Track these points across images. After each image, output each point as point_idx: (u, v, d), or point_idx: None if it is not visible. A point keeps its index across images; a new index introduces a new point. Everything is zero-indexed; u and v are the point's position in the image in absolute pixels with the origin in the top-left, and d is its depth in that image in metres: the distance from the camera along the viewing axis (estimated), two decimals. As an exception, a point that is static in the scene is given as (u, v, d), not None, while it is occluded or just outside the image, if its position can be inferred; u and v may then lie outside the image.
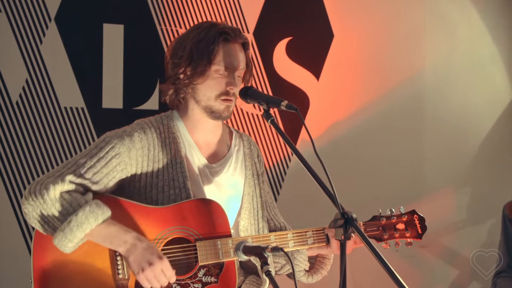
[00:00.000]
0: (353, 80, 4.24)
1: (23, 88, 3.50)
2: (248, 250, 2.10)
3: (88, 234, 2.10)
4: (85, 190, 2.18)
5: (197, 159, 2.37)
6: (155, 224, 2.21)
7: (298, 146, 3.97)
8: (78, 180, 2.15)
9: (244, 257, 2.12)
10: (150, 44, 3.75)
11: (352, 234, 2.13)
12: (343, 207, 2.00)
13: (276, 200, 3.90)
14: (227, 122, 2.56)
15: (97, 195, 2.21)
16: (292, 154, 4.06)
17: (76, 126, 3.58)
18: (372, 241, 2.38)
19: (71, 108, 3.58)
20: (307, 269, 2.53)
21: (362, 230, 2.45)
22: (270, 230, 2.55)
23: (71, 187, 2.14)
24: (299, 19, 4.11)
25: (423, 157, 4.42)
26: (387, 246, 2.49)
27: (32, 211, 2.11)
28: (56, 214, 2.10)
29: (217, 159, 2.42)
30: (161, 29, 3.76)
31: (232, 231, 2.31)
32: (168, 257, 2.19)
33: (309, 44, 4.13)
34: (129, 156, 2.26)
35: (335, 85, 4.19)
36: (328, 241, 2.40)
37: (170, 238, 2.22)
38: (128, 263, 2.14)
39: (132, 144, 2.26)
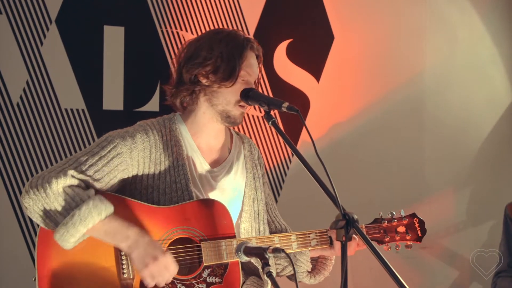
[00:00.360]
0: (353, 82, 4.25)
1: (24, 90, 3.50)
2: (249, 251, 2.10)
3: (90, 229, 2.10)
4: (87, 186, 2.17)
5: (198, 163, 2.37)
6: (159, 224, 2.21)
7: (298, 147, 3.97)
8: (80, 176, 2.15)
9: (245, 258, 2.12)
10: (151, 46, 3.75)
11: (355, 236, 2.14)
12: (344, 208, 2.00)
13: (276, 201, 3.90)
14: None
15: (100, 192, 2.20)
16: (292, 155, 4.06)
17: (77, 127, 3.58)
18: (374, 244, 2.39)
19: (71, 109, 3.58)
20: (309, 270, 2.54)
21: (364, 232, 2.46)
22: (271, 233, 2.56)
23: (74, 182, 2.13)
24: (300, 21, 4.11)
25: (424, 158, 4.43)
26: (388, 248, 2.51)
27: (34, 205, 2.10)
28: (59, 208, 2.09)
29: (218, 163, 2.42)
30: (162, 31, 3.76)
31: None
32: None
33: (310, 46, 4.14)
34: (131, 157, 2.26)
35: (335, 87, 4.19)
36: (331, 243, 2.41)
37: (174, 238, 2.22)
38: (131, 259, 2.13)
39: (134, 145, 2.26)
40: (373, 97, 4.28)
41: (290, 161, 4.08)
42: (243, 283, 2.38)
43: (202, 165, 2.37)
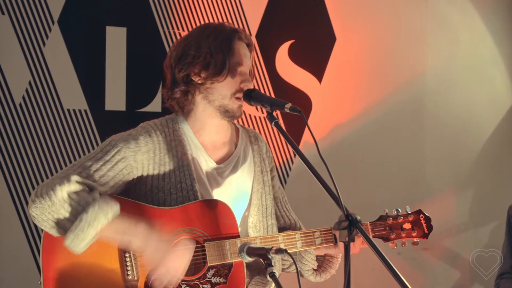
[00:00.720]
0: (355, 83, 4.25)
1: (26, 90, 3.50)
2: (252, 252, 2.11)
3: (99, 231, 2.09)
4: (91, 190, 2.17)
5: (203, 161, 2.37)
6: (164, 226, 2.21)
7: (300, 148, 3.96)
8: (85, 181, 2.14)
9: (248, 259, 2.13)
10: (153, 47, 3.75)
11: (359, 235, 2.13)
12: (347, 209, 2.00)
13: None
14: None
15: (104, 195, 2.20)
16: (294, 156, 4.06)
17: (79, 128, 3.58)
18: (379, 242, 2.39)
19: (74, 110, 3.58)
20: (315, 268, 2.53)
21: (370, 230, 2.46)
22: (282, 227, 2.55)
23: (78, 187, 2.12)
24: (302, 22, 4.12)
25: (425, 159, 4.43)
26: (394, 246, 2.50)
27: (41, 214, 2.09)
28: (66, 214, 2.09)
29: (224, 159, 2.41)
30: (164, 32, 3.77)
31: (239, 228, 2.32)
32: None
33: (312, 47, 4.14)
34: (135, 160, 2.26)
35: (337, 88, 4.19)
36: (336, 242, 2.40)
37: (180, 240, 2.21)
38: (146, 255, 2.14)
39: (138, 148, 2.27)
40: (375, 98, 4.29)
41: (292, 162, 4.09)
42: (248, 283, 2.38)
43: (207, 163, 2.37)
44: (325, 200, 2.10)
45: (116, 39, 3.66)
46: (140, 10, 3.72)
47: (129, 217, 2.15)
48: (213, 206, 2.27)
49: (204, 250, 2.22)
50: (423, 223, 2.51)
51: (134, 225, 2.14)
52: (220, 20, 3.89)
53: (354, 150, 4.23)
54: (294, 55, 4.08)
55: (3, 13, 3.44)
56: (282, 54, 4.06)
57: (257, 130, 3.94)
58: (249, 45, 2.40)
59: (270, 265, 2.01)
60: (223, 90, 2.32)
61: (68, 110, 3.57)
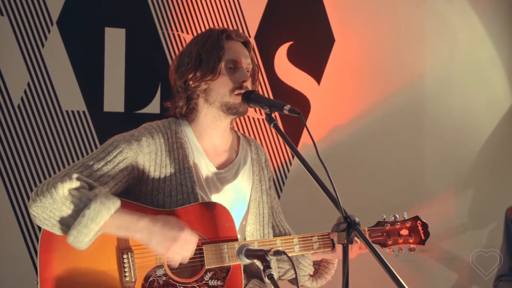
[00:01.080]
0: (354, 85, 4.25)
1: (25, 91, 3.50)
2: (251, 254, 2.10)
3: (102, 226, 2.10)
4: (91, 188, 2.17)
5: (204, 165, 2.37)
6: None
7: (298, 150, 3.97)
8: (86, 180, 2.15)
9: (247, 261, 2.12)
10: (152, 48, 3.75)
11: (357, 239, 2.13)
12: (346, 211, 2.00)
13: (277, 204, 3.90)
14: (233, 123, 2.56)
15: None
16: (293, 158, 4.06)
17: (78, 129, 3.58)
18: (376, 247, 2.39)
19: (72, 111, 3.58)
20: (312, 273, 2.54)
21: (367, 235, 2.46)
22: (275, 236, 2.55)
23: (79, 184, 2.13)
24: (300, 23, 4.11)
25: (424, 161, 4.43)
26: (391, 252, 2.51)
27: (42, 212, 2.09)
28: (68, 211, 2.09)
29: (225, 165, 2.42)
30: (163, 33, 3.76)
31: (238, 236, 2.31)
32: None
33: (310, 49, 4.14)
34: (137, 161, 2.26)
35: (336, 89, 4.19)
36: (333, 246, 2.41)
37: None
38: (151, 249, 2.14)
39: (140, 149, 2.27)
40: (374, 99, 4.28)
41: (291, 164, 4.08)
42: (245, 286, 2.38)
43: (208, 168, 2.38)
44: (323, 202, 2.10)
45: (115, 41, 3.66)
46: (139, 11, 3.72)
47: (131, 210, 2.16)
48: (212, 208, 2.27)
49: (202, 253, 2.22)
50: (420, 230, 2.53)
51: (137, 219, 2.14)
52: (219, 22, 3.89)
53: (353, 152, 4.23)
54: (293, 57, 4.08)
55: (2, 14, 3.44)
56: (281, 55, 4.06)
57: (253, 132, 3.94)
58: (245, 44, 2.41)
59: (268, 267, 2.01)
60: (221, 89, 2.33)
61: (67, 111, 3.57)
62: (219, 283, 2.24)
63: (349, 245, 1.97)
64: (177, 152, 2.33)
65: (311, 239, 2.39)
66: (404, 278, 1.89)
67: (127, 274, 2.16)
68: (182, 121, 2.41)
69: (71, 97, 3.57)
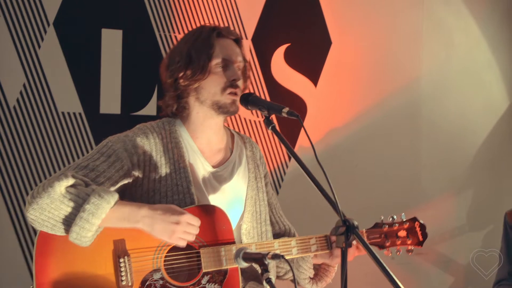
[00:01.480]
0: (350, 87, 4.25)
1: (21, 93, 3.48)
2: (249, 257, 2.10)
3: (103, 219, 2.09)
4: (88, 185, 2.16)
5: (200, 164, 2.37)
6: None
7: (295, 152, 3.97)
8: (81, 177, 2.15)
9: (244, 264, 2.12)
10: (149, 50, 3.74)
11: (354, 242, 2.13)
12: (344, 214, 2.00)
13: (273, 206, 3.89)
14: (228, 126, 2.56)
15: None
16: (289, 159, 4.06)
17: (74, 131, 3.57)
18: (374, 249, 2.38)
19: (68, 113, 3.57)
20: (312, 276, 2.53)
21: (365, 237, 2.46)
22: (275, 233, 2.56)
23: (75, 181, 2.12)
24: (297, 25, 4.11)
25: (420, 163, 4.43)
26: (388, 253, 2.50)
27: (40, 214, 2.07)
28: (68, 209, 2.08)
29: (220, 163, 2.42)
30: (160, 35, 3.76)
31: (234, 234, 2.31)
32: (171, 264, 2.19)
33: (307, 51, 4.14)
34: (131, 161, 2.25)
35: (332, 92, 4.19)
36: (330, 247, 2.40)
37: (173, 245, 2.20)
38: (155, 236, 2.14)
39: (134, 150, 2.26)
40: (370, 102, 4.29)
41: (287, 166, 4.08)
42: (243, 288, 2.38)
43: (204, 167, 2.37)
44: (320, 205, 2.09)
45: (111, 42, 3.65)
46: (136, 12, 3.72)
47: (130, 202, 2.16)
48: (209, 211, 2.26)
49: (199, 256, 2.22)
50: (418, 231, 2.52)
51: (137, 209, 2.14)
52: (216, 24, 3.88)
53: (350, 154, 4.23)
54: (290, 59, 4.08)
55: (-2, 15, 3.43)
56: (278, 57, 4.06)
57: (250, 134, 3.94)
58: (236, 41, 2.40)
59: (266, 270, 2.01)
60: (211, 88, 2.32)
61: (63, 113, 3.56)
62: (216, 286, 2.23)
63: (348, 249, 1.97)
64: (172, 152, 2.32)
65: (309, 242, 2.38)
66: (400, 280, 1.89)
67: (123, 278, 2.14)
68: (176, 120, 2.40)
69: (67, 99, 3.56)
